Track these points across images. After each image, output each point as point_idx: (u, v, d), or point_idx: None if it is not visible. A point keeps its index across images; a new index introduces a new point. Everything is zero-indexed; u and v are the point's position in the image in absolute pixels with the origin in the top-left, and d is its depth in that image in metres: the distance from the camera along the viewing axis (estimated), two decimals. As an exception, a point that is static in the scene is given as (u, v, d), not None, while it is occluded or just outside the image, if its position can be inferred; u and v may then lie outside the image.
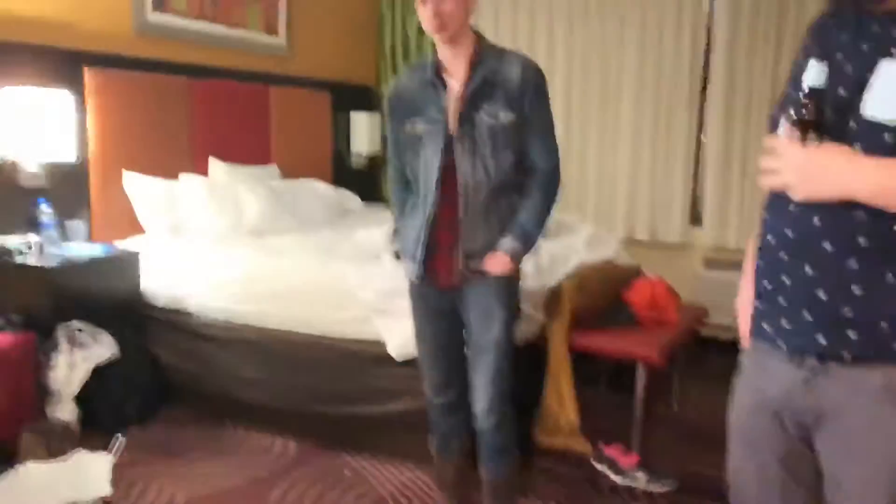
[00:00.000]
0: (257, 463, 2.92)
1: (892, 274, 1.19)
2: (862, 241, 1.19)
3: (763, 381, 1.40)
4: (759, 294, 1.37)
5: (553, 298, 3.07)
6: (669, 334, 3.11)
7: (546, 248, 3.28)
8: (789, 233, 1.27)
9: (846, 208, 1.19)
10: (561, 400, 3.09)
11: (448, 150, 2.10)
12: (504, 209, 2.15)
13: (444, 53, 2.13)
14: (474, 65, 2.10)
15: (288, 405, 3.08)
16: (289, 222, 3.79)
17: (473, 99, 2.08)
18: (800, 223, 1.25)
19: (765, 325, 1.36)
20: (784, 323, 1.30)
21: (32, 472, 2.14)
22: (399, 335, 2.75)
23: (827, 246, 1.22)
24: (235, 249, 3.30)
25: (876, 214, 1.17)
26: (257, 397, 3.14)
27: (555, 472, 2.92)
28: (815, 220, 1.23)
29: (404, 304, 2.71)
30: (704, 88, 4.53)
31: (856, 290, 1.21)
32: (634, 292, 3.24)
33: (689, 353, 3.76)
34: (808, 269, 1.25)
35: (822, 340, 1.25)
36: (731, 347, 1.63)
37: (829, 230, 1.22)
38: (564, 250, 3.37)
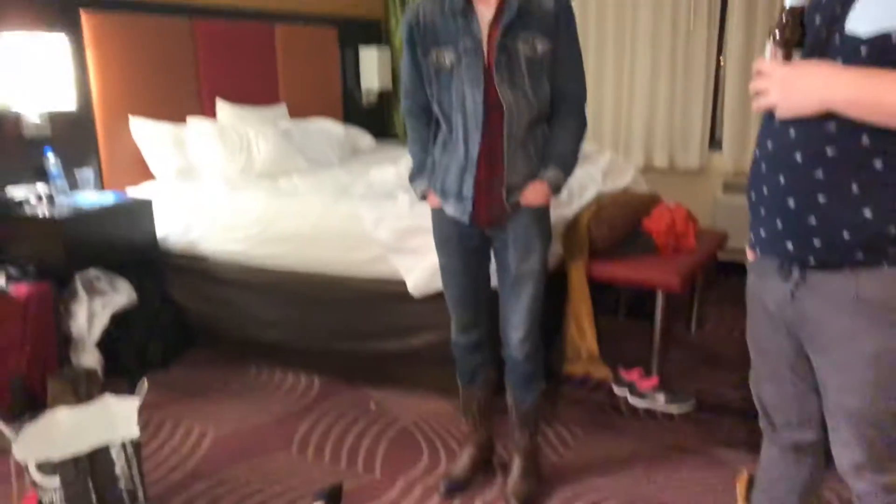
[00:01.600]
0: (282, 400, 2.96)
1: (857, 185, 1.23)
2: (830, 151, 1.23)
3: (764, 292, 1.48)
4: (749, 206, 1.44)
5: (572, 230, 3.03)
6: (688, 260, 3.07)
7: (562, 178, 3.23)
8: (769, 144, 1.33)
9: (819, 121, 1.24)
10: (581, 330, 3.08)
11: (487, 82, 2.01)
12: (539, 140, 2.11)
13: None
14: None
15: (309, 344, 3.09)
16: (300, 163, 3.75)
17: (510, 28, 1.99)
18: (778, 135, 1.31)
19: (752, 236, 1.43)
20: (762, 232, 1.38)
21: (60, 418, 2.17)
22: (417, 273, 2.73)
23: (798, 156, 1.27)
24: (247, 192, 3.26)
25: (845, 127, 1.21)
26: (278, 337, 3.16)
27: (576, 397, 2.94)
28: (791, 131, 1.29)
29: (420, 242, 2.70)
30: (724, 9, 4.36)
31: (821, 198, 1.26)
32: (653, 220, 3.19)
33: (707, 278, 3.73)
34: (781, 178, 1.31)
35: (790, 247, 1.33)
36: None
37: (801, 141, 1.27)
38: (582, 180, 3.31)
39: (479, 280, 2.24)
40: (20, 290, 2.82)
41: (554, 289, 3.13)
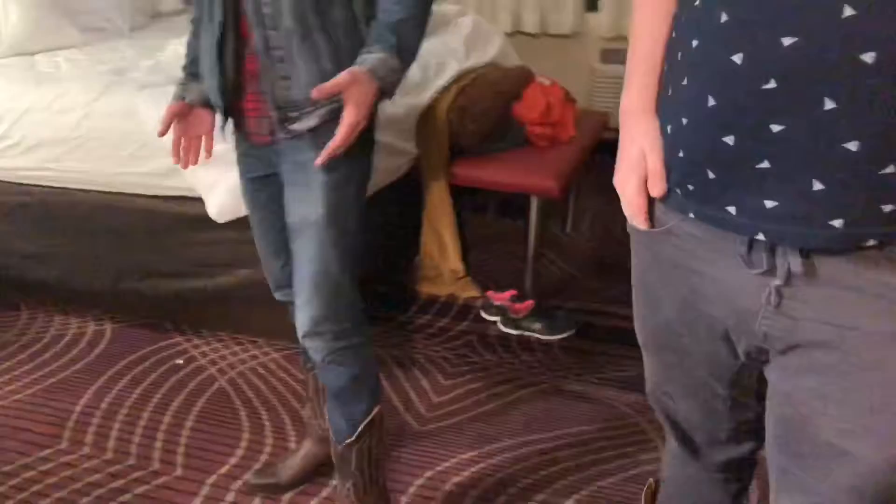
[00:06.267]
0: (60, 359, 2.27)
1: None
2: None
3: (699, 292, 0.91)
4: (703, 156, 0.81)
5: (426, 123, 2.40)
6: (567, 156, 2.54)
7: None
8: (787, 42, 0.69)
9: None
10: (442, 246, 2.54)
11: None
12: (340, 22, 1.28)
13: None
14: None
15: (92, 284, 2.37)
16: (70, 34, 2.81)
17: None
18: (815, 22, 0.67)
19: (729, 209, 0.80)
20: (768, 202, 0.76)
21: None
22: (221, 191, 2.04)
23: (867, 58, 0.66)
24: (-14, 77, 2.37)
25: None
26: (51, 275, 2.40)
27: (437, 327, 2.43)
28: (848, 9, 0.65)
29: (224, 148, 1.99)
30: None
31: None
32: (525, 105, 2.60)
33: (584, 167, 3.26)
34: (828, 103, 0.68)
35: (837, 224, 0.73)
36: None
37: (877, 26, 0.65)
38: (439, 54, 2.64)
39: (276, 220, 1.48)
40: None
41: (409, 194, 2.55)
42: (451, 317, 2.49)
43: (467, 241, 2.68)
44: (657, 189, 0.90)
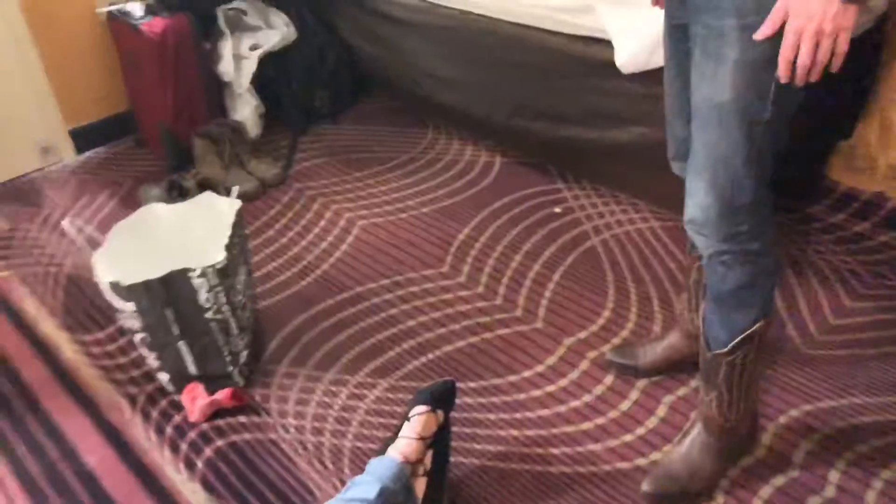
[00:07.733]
0: (453, 182, 2.40)
1: None
2: None
3: None
4: None
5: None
6: None
7: None
8: None
9: None
10: (886, 132, 2.04)
11: None
12: None
13: None
14: None
15: (491, 115, 2.39)
16: None
17: None
18: None
19: None
20: None
21: (159, 214, 1.80)
22: (634, 40, 1.83)
23: None
24: None
25: None
26: (456, 100, 2.48)
27: (852, 231, 2.02)
28: None
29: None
30: None
31: None
32: None
33: None
34: None
35: None
36: None
37: None
38: None
39: (683, 84, 1.27)
40: (154, 25, 2.38)
41: (855, 63, 2.04)
42: (873, 222, 2.04)
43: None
44: None
